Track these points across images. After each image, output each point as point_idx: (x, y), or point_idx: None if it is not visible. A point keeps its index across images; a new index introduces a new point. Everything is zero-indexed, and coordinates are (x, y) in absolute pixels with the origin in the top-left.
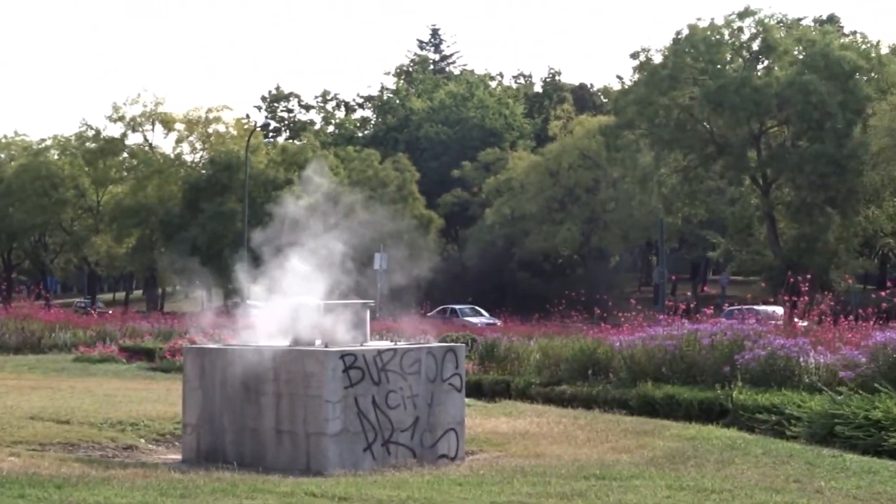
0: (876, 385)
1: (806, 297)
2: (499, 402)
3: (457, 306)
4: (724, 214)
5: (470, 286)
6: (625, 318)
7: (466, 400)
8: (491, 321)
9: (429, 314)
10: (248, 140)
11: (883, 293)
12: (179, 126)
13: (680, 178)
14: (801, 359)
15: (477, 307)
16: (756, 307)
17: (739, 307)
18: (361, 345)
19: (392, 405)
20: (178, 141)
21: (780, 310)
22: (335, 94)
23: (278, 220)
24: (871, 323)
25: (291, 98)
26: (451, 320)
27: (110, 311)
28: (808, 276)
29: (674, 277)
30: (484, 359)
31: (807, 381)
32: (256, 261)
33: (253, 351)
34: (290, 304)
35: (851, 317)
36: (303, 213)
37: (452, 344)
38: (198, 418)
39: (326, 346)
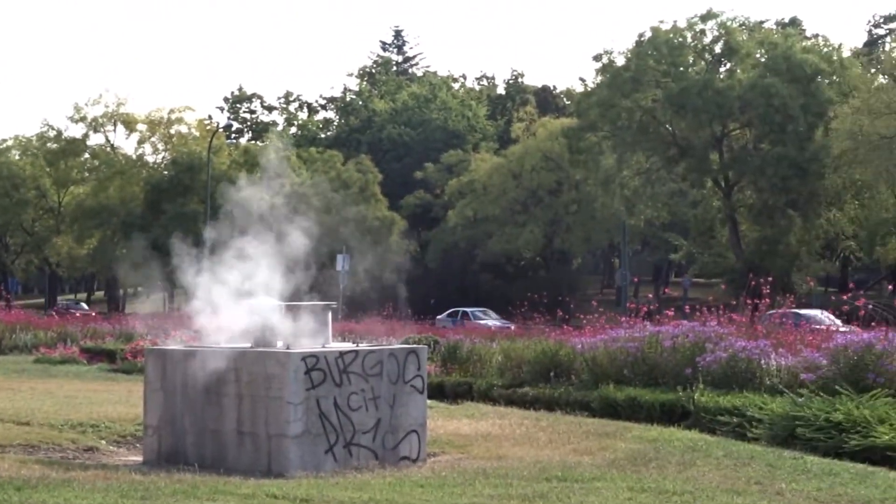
0: (837, 387)
1: (767, 300)
2: (461, 404)
3: (468, 309)
4: (687, 217)
5: (433, 288)
6: (587, 321)
7: (429, 402)
8: (504, 324)
9: (438, 317)
10: (211, 141)
11: (844, 296)
12: (141, 127)
13: (642, 181)
14: (763, 361)
15: (488, 310)
16: (800, 311)
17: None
18: (323, 346)
19: (354, 407)
20: (140, 142)
21: (825, 315)
22: (298, 96)
23: (236, 219)
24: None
25: (254, 99)
26: (463, 323)
27: (94, 313)
28: (770, 279)
29: (636, 279)
30: (446, 360)
31: (768, 383)
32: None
33: (214, 352)
34: (252, 305)
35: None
36: (262, 213)
37: (414, 346)
38: (159, 420)
39: (288, 348)
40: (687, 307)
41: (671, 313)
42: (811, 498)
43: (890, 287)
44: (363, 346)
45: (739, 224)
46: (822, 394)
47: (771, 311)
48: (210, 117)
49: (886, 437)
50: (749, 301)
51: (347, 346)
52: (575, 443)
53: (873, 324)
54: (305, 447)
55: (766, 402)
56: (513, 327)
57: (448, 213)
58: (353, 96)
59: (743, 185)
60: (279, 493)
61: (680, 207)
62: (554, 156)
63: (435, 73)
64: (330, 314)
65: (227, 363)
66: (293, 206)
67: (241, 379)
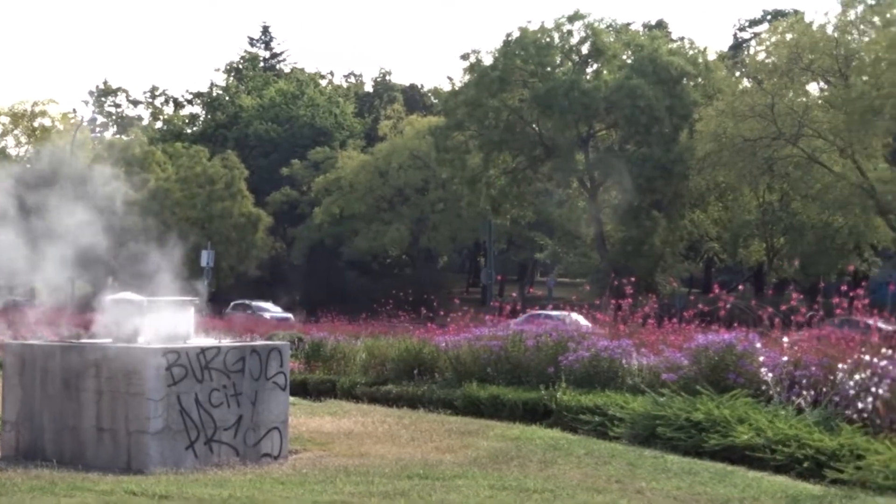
0: (697, 387)
1: (630, 300)
2: (324, 402)
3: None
4: (552, 216)
5: (298, 285)
6: (451, 319)
7: (291, 399)
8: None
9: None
10: (75, 135)
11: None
12: (4, 119)
13: (508, 180)
14: (625, 360)
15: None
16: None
17: (538, 312)
18: (185, 342)
19: (215, 403)
20: (3, 134)
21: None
22: (164, 90)
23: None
24: (694, 326)
25: (119, 93)
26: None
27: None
28: (633, 279)
29: (500, 278)
30: (310, 358)
31: (630, 382)
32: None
33: (74, 347)
34: (113, 300)
35: (675, 319)
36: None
37: (277, 343)
38: (17, 415)
39: (149, 344)
40: (551, 306)
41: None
42: (671, 496)
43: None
44: (225, 343)
45: (604, 224)
46: (682, 393)
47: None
48: (74, 111)
49: (745, 437)
50: (613, 301)
51: (209, 342)
52: (437, 441)
53: (735, 324)
54: (166, 444)
55: (627, 402)
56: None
57: (314, 211)
58: (220, 91)
59: (608, 186)
60: (138, 489)
61: (546, 207)
62: (421, 154)
63: (302, 69)
64: (192, 310)
65: (87, 359)
66: (158, 201)
67: (101, 375)
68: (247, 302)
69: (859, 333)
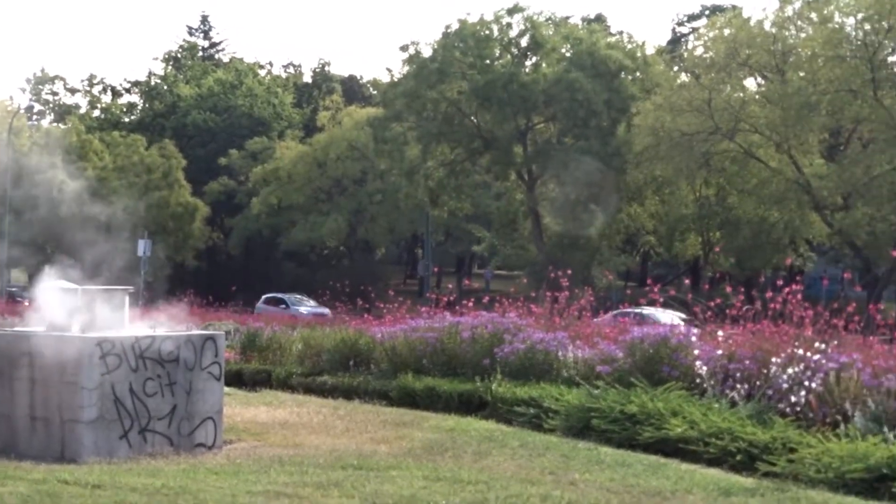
0: (632, 379)
1: (566, 293)
2: (259, 392)
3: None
4: (490, 209)
5: (235, 275)
6: (388, 310)
7: (227, 389)
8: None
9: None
10: (11, 123)
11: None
12: None
13: (446, 172)
14: (560, 353)
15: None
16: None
17: (627, 310)
18: (120, 331)
19: (149, 393)
20: None
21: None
22: (102, 79)
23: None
24: (629, 318)
25: (57, 81)
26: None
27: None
28: (570, 272)
29: (437, 270)
30: (246, 348)
31: (565, 374)
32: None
33: (7, 336)
34: (47, 288)
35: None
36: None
37: (212, 332)
38: None
39: (83, 332)
40: (487, 298)
41: (471, 304)
42: (604, 488)
43: (687, 281)
44: (160, 332)
45: (542, 217)
46: (617, 386)
47: (619, 312)
48: (11, 98)
49: (679, 430)
50: (549, 294)
51: (144, 331)
52: (372, 431)
53: None
54: (99, 433)
55: (562, 394)
56: (329, 313)
57: (252, 201)
58: (158, 81)
59: (546, 179)
60: (71, 478)
61: (483, 199)
62: (359, 145)
63: (241, 59)
64: (127, 298)
65: (20, 347)
66: (94, 190)
67: (35, 363)
68: (280, 296)
69: (793, 327)
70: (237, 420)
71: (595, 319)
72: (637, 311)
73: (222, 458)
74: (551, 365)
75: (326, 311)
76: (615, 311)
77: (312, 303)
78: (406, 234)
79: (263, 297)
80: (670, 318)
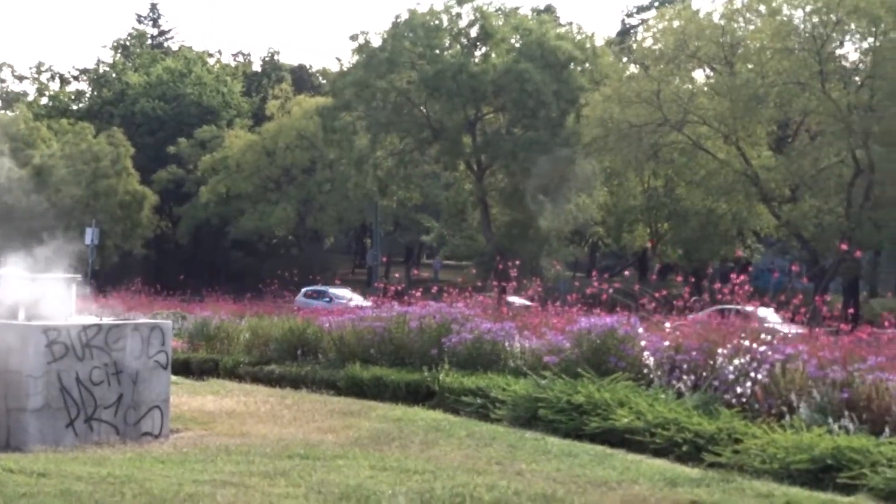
0: (579, 370)
1: (514, 283)
2: (207, 381)
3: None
4: (439, 199)
5: (183, 264)
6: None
7: (174, 378)
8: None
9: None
10: None
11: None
12: None
13: (395, 162)
14: (507, 343)
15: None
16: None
17: (727, 306)
18: (66, 320)
19: (96, 381)
20: None
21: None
22: (50, 66)
23: None
24: (577, 309)
25: (4, 68)
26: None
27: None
28: (518, 262)
29: (386, 260)
30: (193, 337)
31: (512, 365)
32: None
33: None
34: None
35: (559, 303)
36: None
37: (159, 321)
38: None
39: (29, 321)
40: (435, 288)
41: (419, 294)
42: (550, 478)
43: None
44: (107, 321)
45: (491, 207)
46: (564, 376)
47: (717, 307)
48: None
49: (625, 420)
50: (496, 283)
51: (91, 319)
52: (319, 421)
53: (617, 309)
54: (45, 421)
55: (509, 384)
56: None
57: (200, 190)
58: (107, 68)
59: (495, 169)
60: (16, 467)
61: (432, 189)
62: (308, 134)
63: (190, 47)
64: (74, 287)
65: None
66: (41, 178)
67: None
68: (322, 289)
69: (741, 320)
70: (184, 409)
71: (690, 316)
72: (738, 307)
73: (169, 447)
74: (499, 355)
75: (370, 303)
76: (712, 308)
77: (358, 296)
78: (355, 224)
79: (303, 289)
80: (772, 316)
